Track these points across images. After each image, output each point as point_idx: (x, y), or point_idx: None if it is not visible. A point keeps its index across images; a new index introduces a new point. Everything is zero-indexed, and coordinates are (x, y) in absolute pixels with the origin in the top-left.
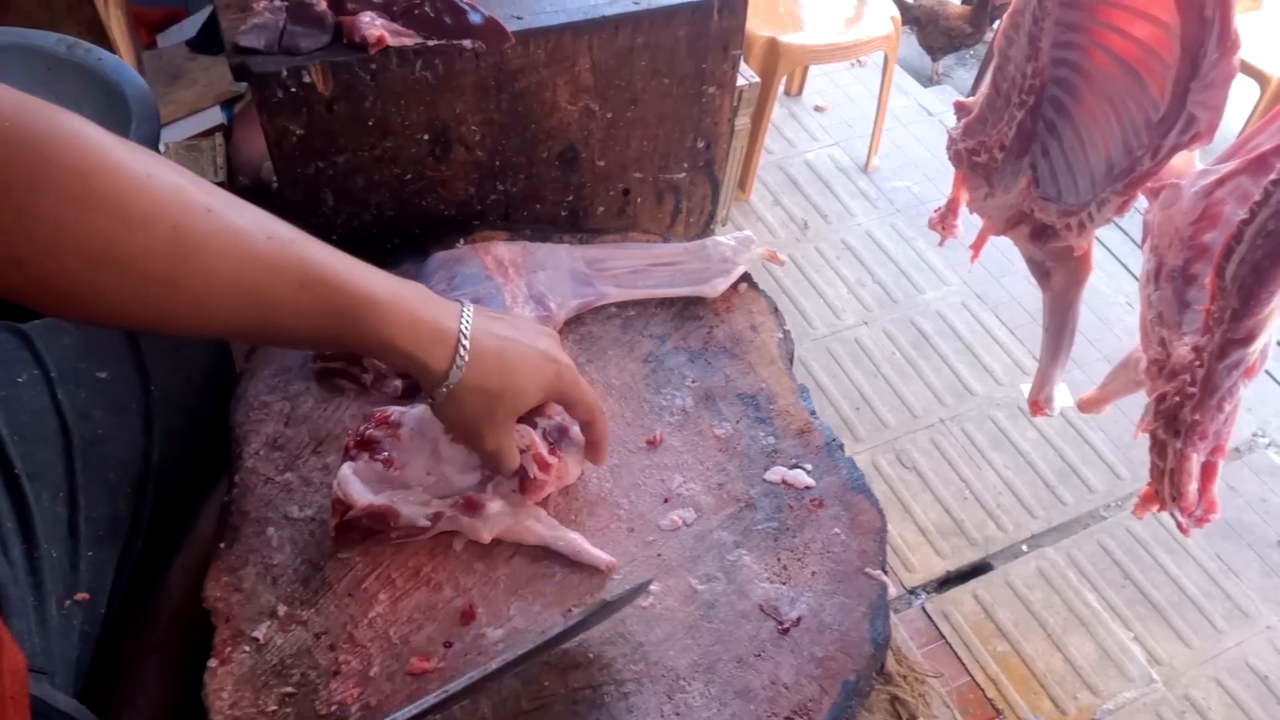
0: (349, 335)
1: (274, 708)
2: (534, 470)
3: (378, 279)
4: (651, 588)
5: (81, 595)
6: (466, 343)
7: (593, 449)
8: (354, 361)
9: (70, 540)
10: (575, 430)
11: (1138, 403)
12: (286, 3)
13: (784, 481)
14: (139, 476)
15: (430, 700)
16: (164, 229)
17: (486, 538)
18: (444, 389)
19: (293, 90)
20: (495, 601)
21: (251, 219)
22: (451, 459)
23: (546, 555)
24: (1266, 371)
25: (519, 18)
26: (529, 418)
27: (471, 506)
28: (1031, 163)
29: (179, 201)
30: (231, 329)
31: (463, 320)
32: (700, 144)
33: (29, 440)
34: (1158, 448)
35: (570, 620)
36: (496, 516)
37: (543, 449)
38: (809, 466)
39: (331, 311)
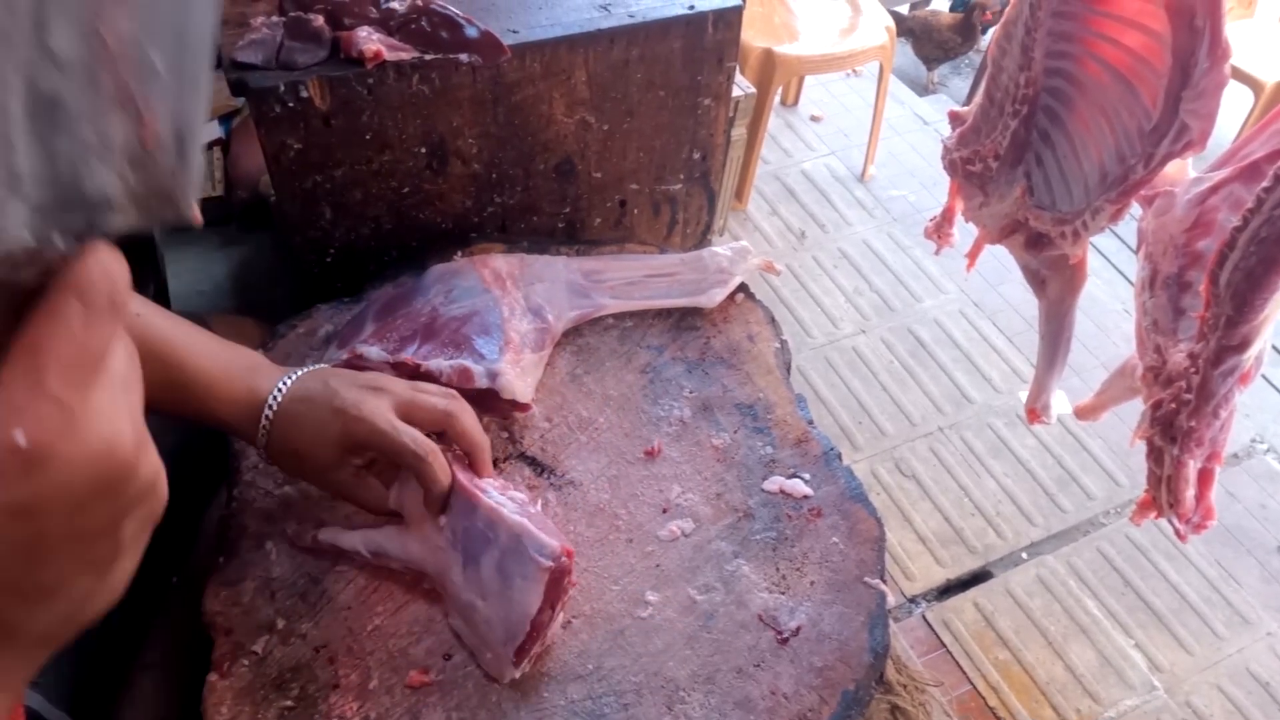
0: (180, 405)
1: None
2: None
3: (212, 351)
4: (650, 598)
5: None
6: (270, 414)
7: (427, 497)
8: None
9: None
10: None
11: (1136, 409)
12: (284, 18)
13: (782, 491)
14: None
15: None
16: None
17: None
18: (261, 453)
19: (290, 105)
20: None
21: None
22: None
23: None
24: (1264, 377)
25: (515, 31)
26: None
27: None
28: (1025, 171)
29: None
30: None
31: (277, 388)
32: (696, 155)
33: None
34: (1154, 454)
35: None
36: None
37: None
38: (807, 476)
39: (164, 383)
